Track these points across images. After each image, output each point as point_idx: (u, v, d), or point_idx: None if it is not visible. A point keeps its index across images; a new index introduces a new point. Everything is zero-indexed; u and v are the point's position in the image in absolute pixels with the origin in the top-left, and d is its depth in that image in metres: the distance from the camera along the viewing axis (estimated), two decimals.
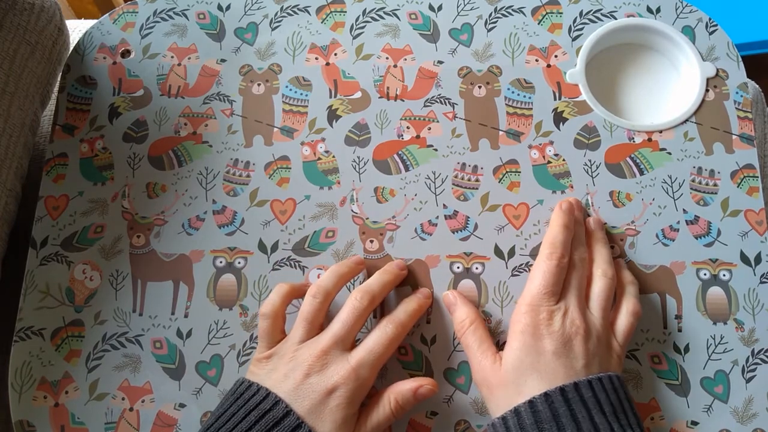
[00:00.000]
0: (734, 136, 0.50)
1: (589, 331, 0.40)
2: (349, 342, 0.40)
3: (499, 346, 0.45)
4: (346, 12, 0.54)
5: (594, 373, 0.38)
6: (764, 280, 0.47)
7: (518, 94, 0.51)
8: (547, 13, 0.54)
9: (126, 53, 0.53)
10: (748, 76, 0.52)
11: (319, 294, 0.42)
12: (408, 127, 0.51)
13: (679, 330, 0.46)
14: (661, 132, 0.50)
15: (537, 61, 0.52)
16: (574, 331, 0.40)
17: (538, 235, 0.48)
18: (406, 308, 0.43)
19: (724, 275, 0.47)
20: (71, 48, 0.55)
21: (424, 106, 0.51)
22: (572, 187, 0.49)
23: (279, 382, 0.38)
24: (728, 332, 0.46)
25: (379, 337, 0.40)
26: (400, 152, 0.50)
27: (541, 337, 0.39)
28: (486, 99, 0.51)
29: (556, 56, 0.52)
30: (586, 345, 0.39)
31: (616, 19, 0.53)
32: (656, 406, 0.44)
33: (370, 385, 0.40)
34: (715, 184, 0.49)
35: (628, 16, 0.53)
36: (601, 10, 0.53)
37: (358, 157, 0.50)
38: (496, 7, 0.54)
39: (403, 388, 0.40)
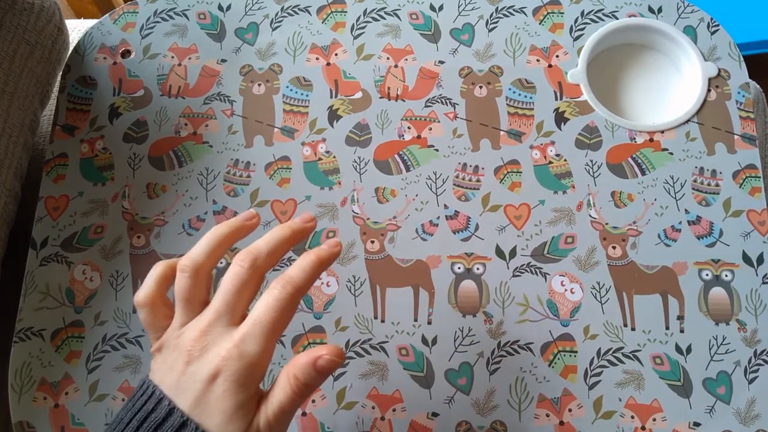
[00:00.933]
0: (736, 136, 0.50)
1: None
2: (237, 315, 0.34)
3: (500, 347, 0.45)
4: (346, 12, 0.54)
5: None
6: (766, 280, 0.47)
7: (519, 94, 0.51)
8: (548, 13, 0.53)
9: (126, 53, 0.53)
10: (749, 76, 0.52)
11: (186, 267, 0.34)
12: (409, 128, 0.51)
13: (681, 331, 0.46)
14: (662, 132, 0.50)
15: (538, 61, 0.52)
16: None
17: (540, 236, 0.47)
18: (301, 263, 0.34)
19: (726, 276, 0.47)
20: (71, 48, 0.55)
21: (425, 106, 0.51)
22: (573, 187, 0.49)
23: (165, 376, 0.33)
24: (730, 333, 0.45)
25: (266, 302, 0.33)
26: (400, 152, 0.50)
27: None
28: (487, 99, 0.51)
29: (557, 56, 0.52)
30: None
31: (617, 19, 0.53)
32: (658, 407, 0.44)
33: (266, 362, 0.33)
34: (717, 185, 0.49)
35: (630, 16, 0.53)
36: (602, 10, 0.53)
37: (359, 158, 0.50)
38: (497, 7, 0.54)
39: (301, 361, 0.33)
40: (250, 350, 0.32)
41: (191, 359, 0.32)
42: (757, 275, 0.47)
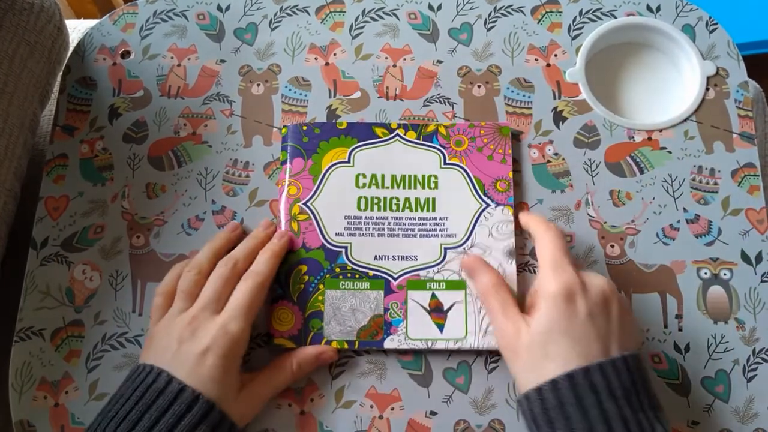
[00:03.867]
0: (735, 135, 0.50)
1: (614, 293, 0.41)
2: (219, 306, 0.42)
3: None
4: (345, 12, 0.54)
5: (620, 341, 0.39)
6: (765, 279, 0.47)
7: (518, 94, 0.51)
8: (546, 12, 0.53)
9: (126, 54, 0.54)
10: (749, 76, 0.52)
11: (192, 268, 0.44)
12: None
13: (680, 329, 0.46)
14: (661, 131, 0.50)
15: (536, 60, 0.52)
16: (608, 294, 0.40)
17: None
18: (261, 258, 0.44)
19: (724, 274, 0.47)
20: (71, 48, 0.55)
21: (424, 105, 0.51)
22: (572, 186, 0.49)
23: (158, 356, 0.40)
24: (729, 332, 0.45)
25: (240, 291, 0.42)
26: None
27: (574, 301, 0.39)
28: (485, 98, 0.51)
29: (555, 55, 0.52)
30: (616, 310, 0.40)
31: (615, 17, 0.53)
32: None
33: (245, 338, 0.41)
34: (716, 183, 0.49)
35: (628, 15, 0.53)
36: (600, 8, 0.53)
37: None
38: (495, 7, 0.54)
39: (307, 353, 0.44)
40: (233, 329, 0.41)
41: (183, 339, 0.40)
42: (755, 273, 0.47)
